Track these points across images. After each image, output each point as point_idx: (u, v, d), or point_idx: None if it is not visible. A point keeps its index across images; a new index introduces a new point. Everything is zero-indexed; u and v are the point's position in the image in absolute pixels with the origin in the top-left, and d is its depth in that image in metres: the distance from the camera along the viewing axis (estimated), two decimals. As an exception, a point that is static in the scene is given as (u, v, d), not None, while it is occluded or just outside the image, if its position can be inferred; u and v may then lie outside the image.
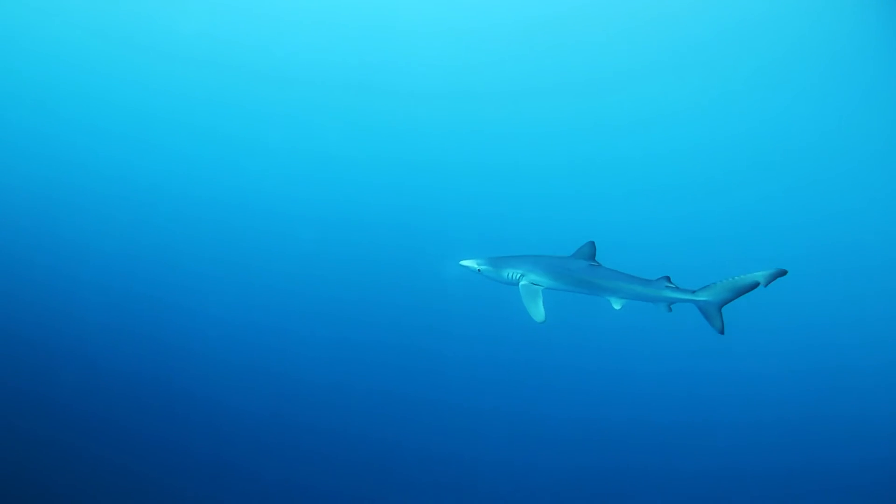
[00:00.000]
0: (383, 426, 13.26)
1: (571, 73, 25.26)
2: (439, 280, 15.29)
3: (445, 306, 16.04)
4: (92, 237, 19.02)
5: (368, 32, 24.62)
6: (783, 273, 6.42)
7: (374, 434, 13.03)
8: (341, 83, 26.12)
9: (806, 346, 16.74)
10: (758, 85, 24.07)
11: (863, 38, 20.79)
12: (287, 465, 11.88)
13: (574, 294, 7.21)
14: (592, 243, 7.14)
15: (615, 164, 25.49)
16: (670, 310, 6.98)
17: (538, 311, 6.84)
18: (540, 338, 13.01)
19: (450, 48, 24.93)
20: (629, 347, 15.39)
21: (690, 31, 23.13)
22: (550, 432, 13.48)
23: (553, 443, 13.16)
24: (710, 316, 6.74)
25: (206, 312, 16.63)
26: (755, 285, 6.50)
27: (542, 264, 7.13)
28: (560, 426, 13.60)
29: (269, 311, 16.92)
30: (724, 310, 6.70)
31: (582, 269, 7.05)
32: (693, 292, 6.74)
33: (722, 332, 6.74)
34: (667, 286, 6.82)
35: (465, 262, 7.28)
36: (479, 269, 7.21)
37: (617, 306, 7.14)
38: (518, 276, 7.09)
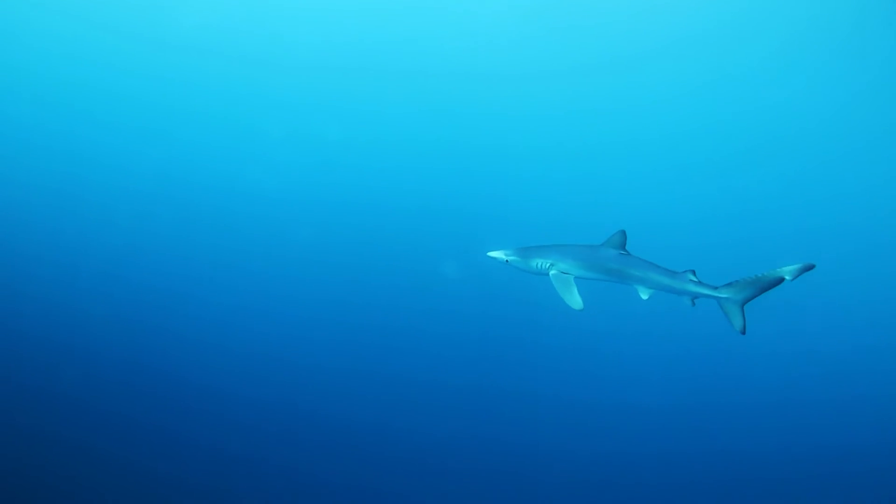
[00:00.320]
0: (400, 415, 13.33)
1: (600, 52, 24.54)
2: (461, 270, 15.26)
3: (462, 291, 16.02)
4: (93, 228, 19.15)
5: (386, 15, 24.29)
6: (811, 267, 6.23)
7: (394, 423, 13.12)
8: (368, 69, 25.76)
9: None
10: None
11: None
12: (306, 455, 11.96)
13: (604, 283, 7.14)
14: (623, 232, 7.06)
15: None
16: (693, 304, 6.88)
17: (574, 299, 6.75)
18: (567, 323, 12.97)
19: (467, 29, 24.55)
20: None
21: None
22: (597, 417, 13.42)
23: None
24: (732, 314, 6.62)
25: (214, 302, 16.74)
26: (780, 281, 6.35)
27: (571, 253, 7.06)
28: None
29: (286, 302, 17.01)
30: (746, 308, 6.55)
31: (611, 257, 7.00)
32: (715, 288, 6.63)
33: (743, 332, 6.61)
34: (691, 279, 6.72)
35: (492, 254, 7.21)
36: (507, 260, 7.15)
37: (645, 296, 7.06)
38: (547, 265, 7.03)
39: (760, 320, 6.81)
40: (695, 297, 6.79)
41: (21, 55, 25.98)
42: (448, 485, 11.75)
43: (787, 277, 6.31)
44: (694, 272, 6.78)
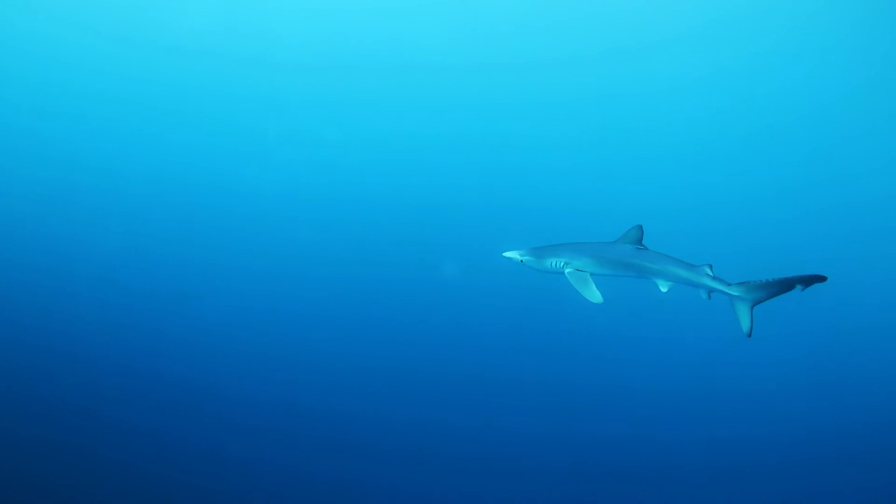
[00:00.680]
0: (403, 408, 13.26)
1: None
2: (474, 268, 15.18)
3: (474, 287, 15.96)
4: (89, 230, 18.96)
5: (386, 14, 23.99)
6: (822, 279, 6.16)
7: (398, 417, 13.04)
8: (373, 68, 25.43)
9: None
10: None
11: None
12: (311, 456, 11.82)
13: (621, 279, 7.08)
14: (640, 227, 7.02)
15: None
16: (709, 297, 6.86)
17: (593, 294, 6.74)
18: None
19: (469, 20, 24.24)
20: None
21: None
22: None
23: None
24: (741, 313, 6.60)
25: (214, 302, 16.62)
26: (791, 287, 6.31)
27: (586, 251, 7.03)
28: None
29: (286, 302, 16.92)
30: (755, 311, 6.52)
31: (627, 252, 6.99)
32: (729, 285, 6.62)
33: (749, 335, 6.60)
34: (707, 273, 6.70)
35: (507, 254, 7.20)
36: (522, 260, 7.13)
37: (664, 289, 7.03)
38: (562, 264, 7.00)
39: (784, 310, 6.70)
40: (710, 291, 6.79)
41: (15, 60, 25.76)
42: (451, 479, 11.72)
43: (798, 286, 6.29)
44: (711, 266, 6.75)
